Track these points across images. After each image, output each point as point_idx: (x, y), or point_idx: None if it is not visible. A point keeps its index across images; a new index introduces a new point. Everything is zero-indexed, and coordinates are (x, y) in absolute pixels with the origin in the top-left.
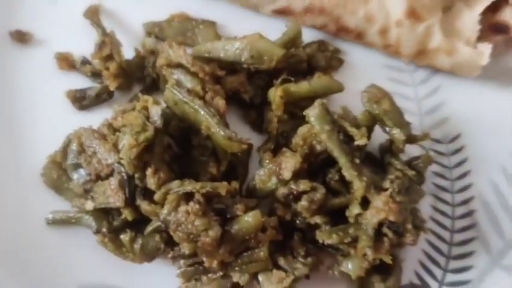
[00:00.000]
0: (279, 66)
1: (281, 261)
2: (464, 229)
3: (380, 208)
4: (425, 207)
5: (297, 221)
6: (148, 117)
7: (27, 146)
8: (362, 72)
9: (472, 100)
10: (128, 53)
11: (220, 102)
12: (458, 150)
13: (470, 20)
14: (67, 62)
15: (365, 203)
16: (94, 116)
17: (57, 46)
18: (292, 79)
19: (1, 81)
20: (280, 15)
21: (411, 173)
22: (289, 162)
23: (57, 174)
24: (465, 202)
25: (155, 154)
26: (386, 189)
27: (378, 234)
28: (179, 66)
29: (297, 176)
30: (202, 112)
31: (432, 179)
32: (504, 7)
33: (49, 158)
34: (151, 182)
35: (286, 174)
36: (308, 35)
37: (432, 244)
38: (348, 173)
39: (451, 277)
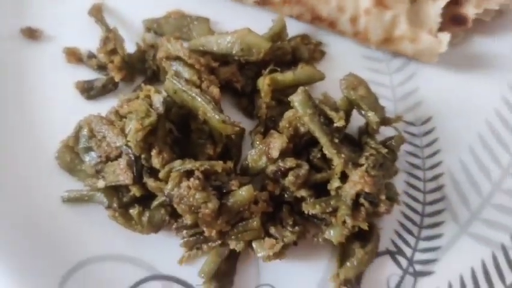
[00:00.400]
0: (267, 58)
1: (272, 230)
2: (434, 202)
3: (357, 181)
4: (400, 182)
5: (285, 195)
6: (151, 105)
7: (42, 133)
8: (342, 63)
9: (442, 86)
10: (130, 47)
11: (214, 90)
12: (429, 132)
13: (433, 11)
14: (74, 56)
15: (344, 178)
16: (101, 105)
17: (65, 41)
18: (279, 69)
19: (16, 74)
20: (262, 5)
21: (384, 150)
22: (276, 143)
23: (70, 157)
24: (435, 178)
25: (159, 137)
26: (362, 165)
27: (355, 204)
28: (177, 58)
29: (283, 154)
30: (199, 99)
31: (405, 157)
32: (464, 1)
33: (62, 143)
34: (155, 162)
35: (274, 153)
36: (293, 29)
37: (406, 215)
38: (328, 151)
39: (423, 244)
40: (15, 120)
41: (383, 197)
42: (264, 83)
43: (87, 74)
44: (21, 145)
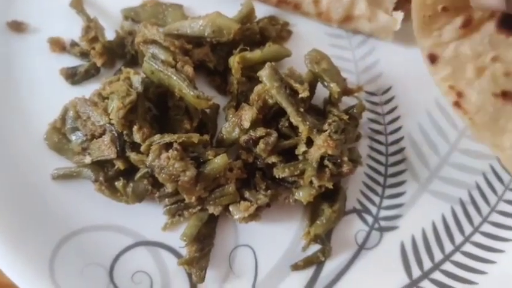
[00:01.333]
0: (237, 39)
1: (246, 194)
2: (396, 163)
3: (321, 145)
4: (364, 147)
5: (258, 162)
6: (130, 85)
7: (31, 117)
8: (308, 41)
9: (400, 59)
10: (110, 34)
11: (189, 69)
12: (389, 100)
13: None
14: (58, 45)
15: (310, 143)
16: (84, 89)
17: (49, 32)
18: (248, 49)
19: (5, 64)
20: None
21: (345, 117)
22: (247, 114)
23: (58, 138)
24: (396, 142)
25: (139, 114)
26: (325, 131)
27: (321, 166)
28: (153, 42)
29: (254, 125)
30: (175, 78)
31: (369, 124)
32: None
33: (50, 125)
34: (137, 137)
35: (246, 124)
36: (261, 12)
37: (370, 177)
38: (295, 120)
39: (386, 202)
40: (6, 106)
41: (345, 159)
42: (234, 61)
43: (70, 61)
44: (12, 129)
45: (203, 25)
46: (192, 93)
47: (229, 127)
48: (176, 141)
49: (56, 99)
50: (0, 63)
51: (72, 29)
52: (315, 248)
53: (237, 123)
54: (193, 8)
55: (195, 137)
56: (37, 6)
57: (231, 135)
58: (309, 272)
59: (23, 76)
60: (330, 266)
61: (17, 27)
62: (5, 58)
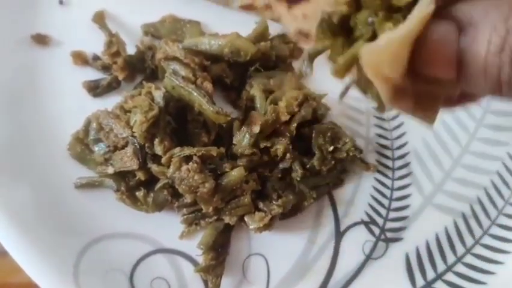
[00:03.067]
0: (253, 58)
1: (260, 205)
2: (402, 177)
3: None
4: (372, 161)
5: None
6: (152, 100)
7: (55, 128)
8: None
9: None
10: (130, 49)
11: (208, 85)
12: (396, 116)
13: None
14: (80, 58)
15: None
16: (105, 101)
17: (71, 45)
18: (262, 70)
19: (30, 77)
20: (246, 9)
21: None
22: (256, 120)
23: (81, 149)
24: (402, 156)
25: (160, 128)
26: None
27: None
28: (174, 59)
29: (265, 129)
30: (195, 94)
31: (376, 139)
32: None
33: (73, 136)
34: (158, 149)
35: (256, 129)
36: (273, 30)
37: (378, 190)
38: None
39: (393, 214)
40: (30, 118)
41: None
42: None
43: (92, 74)
44: (36, 139)
45: (222, 44)
46: (211, 108)
47: (239, 136)
48: (196, 154)
49: (78, 110)
50: (24, 75)
51: (94, 43)
52: (323, 258)
53: (246, 131)
54: (210, 25)
55: (214, 150)
56: (61, 20)
57: (242, 144)
58: (318, 280)
59: (46, 88)
60: (339, 275)
61: (41, 40)
62: (29, 70)
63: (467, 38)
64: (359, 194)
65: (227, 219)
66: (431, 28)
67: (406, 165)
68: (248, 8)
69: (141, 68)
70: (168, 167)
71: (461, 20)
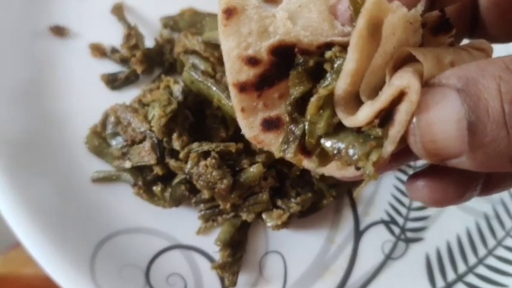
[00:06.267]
0: None
1: (279, 202)
2: None
3: None
4: None
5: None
6: (171, 94)
7: (72, 121)
8: None
9: None
10: (149, 42)
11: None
12: None
13: None
14: (98, 50)
15: None
16: (123, 94)
17: (90, 38)
18: None
19: (47, 69)
20: (268, 2)
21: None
22: None
23: (98, 142)
24: None
25: (179, 122)
26: None
27: None
28: (193, 52)
29: None
30: (214, 88)
31: None
32: None
33: (91, 129)
34: (176, 144)
35: None
36: None
37: (399, 189)
38: None
39: (413, 214)
40: (48, 110)
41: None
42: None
43: (110, 66)
44: (54, 132)
45: None
46: (230, 103)
47: None
48: (214, 150)
49: (96, 103)
50: (42, 67)
51: (112, 35)
52: (342, 258)
53: None
54: None
55: (232, 146)
56: (79, 12)
57: None
58: (336, 280)
59: (64, 80)
60: (358, 274)
61: (59, 31)
62: (46, 62)
63: (470, 98)
64: (379, 192)
65: (244, 216)
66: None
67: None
68: (271, 0)
69: (159, 61)
70: (186, 162)
71: (454, 84)
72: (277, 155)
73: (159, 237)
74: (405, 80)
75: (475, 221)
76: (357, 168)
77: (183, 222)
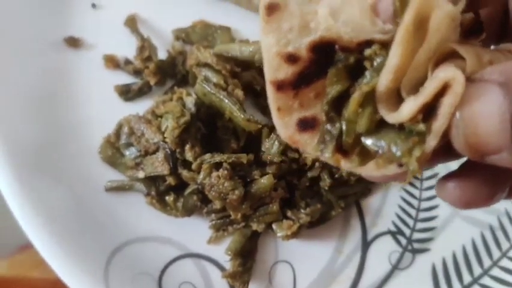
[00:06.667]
0: None
1: (289, 213)
2: (430, 187)
3: None
4: None
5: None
6: (183, 106)
7: (86, 131)
8: None
9: None
10: (161, 54)
11: (239, 92)
12: None
13: None
14: (112, 62)
15: None
16: (136, 105)
17: (103, 49)
18: None
19: (61, 80)
20: None
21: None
22: None
23: (112, 152)
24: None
25: (191, 134)
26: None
27: None
28: (206, 65)
29: None
30: (226, 101)
31: None
32: None
33: (104, 139)
34: (188, 155)
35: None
36: None
37: (406, 200)
38: None
39: (420, 225)
40: (62, 121)
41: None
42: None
43: (123, 77)
44: (68, 142)
45: (253, 51)
46: (242, 116)
47: (268, 143)
48: (226, 161)
49: (109, 114)
50: (56, 78)
51: (126, 47)
52: (350, 268)
53: (275, 138)
54: (241, 30)
55: (244, 158)
56: (93, 24)
57: (271, 151)
58: None
59: (78, 91)
60: (365, 284)
61: (73, 43)
62: (61, 73)
63: None
64: (386, 204)
65: (255, 226)
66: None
67: (435, 175)
68: None
69: (172, 73)
70: (198, 172)
71: (496, 79)
72: (314, 154)
73: (171, 246)
74: (450, 72)
75: (480, 232)
76: (400, 165)
77: (195, 232)
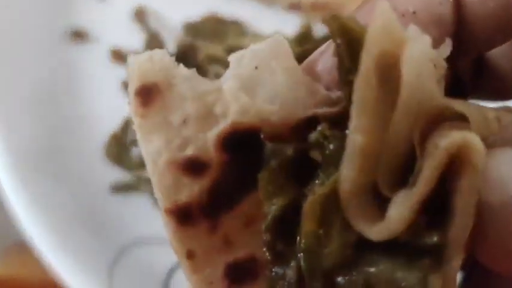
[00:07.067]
0: (297, 60)
1: None
2: None
3: None
4: None
5: None
6: None
7: (91, 128)
8: None
9: None
10: (170, 48)
11: None
12: None
13: None
14: (118, 56)
15: None
16: None
17: (110, 42)
18: None
19: (66, 74)
20: (292, 9)
21: None
22: None
23: (118, 150)
24: None
25: None
26: None
27: None
28: (216, 60)
29: None
30: None
31: None
32: None
33: (110, 136)
34: None
35: None
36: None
37: None
38: None
39: None
40: (67, 116)
41: None
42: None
43: None
44: (72, 139)
45: None
46: None
47: None
48: None
49: (116, 110)
50: (61, 72)
51: (132, 40)
52: None
53: None
54: (253, 24)
55: None
56: (99, 17)
57: None
58: None
59: (84, 86)
60: None
61: (79, 36)
62: (66, 67)
63: None
64: None
65: None
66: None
67: None
68: (294, 7)
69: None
70: None
71: None
72: None
73: None
74: (457, 136)
75: None
76: None
77: None
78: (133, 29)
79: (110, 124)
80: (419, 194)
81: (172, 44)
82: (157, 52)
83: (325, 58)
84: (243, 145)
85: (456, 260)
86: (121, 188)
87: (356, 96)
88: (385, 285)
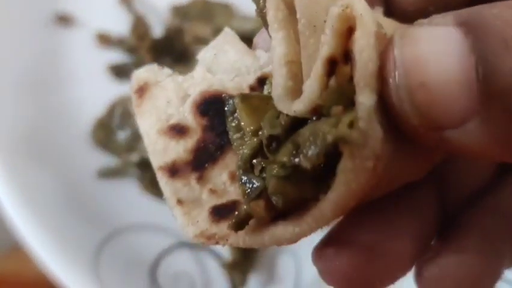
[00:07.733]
0: None
1: None
2: None
3: None
4: None
5: None
6: None
7: (77, 112)
8: None
9: None
10: (157, 31)
11: None
12: None
13: None
14: (105, 40)
15: None
16: (129, 84)
17: (96, 26)
18: None
19: (51, 59)
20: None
21: None
22: None
23: (104, 134)
24: None
25: None
26: None
27: None
28: (204, 42)
29: None
30: None
31: None
32: None
33: (96, 121)
34: None
35: None
36: None
37: None
38: None
39: None
40: (52, 101)
41: None
42: None
43: (116, 56)
44: (58, 124)
45: (253, 27)
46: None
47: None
48: None
49: (101, 94)
50: (46, 57)
51: (118, 24)
52: None
53: None
54: (239, 5)
55: None
56: (84, 0)
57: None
58: None
59: (69, 70)
60: None
61: (64, 20)
62: (51, 52)
63: (477, 29)
64: None
65: None
66: None
67: None
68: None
69: (168, 50)
70: None
71: (450, 20)
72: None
73: (166, 234)
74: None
75: None
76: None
77: None
78: (119, 13)
79: (96, 108)
80: (323, 56)
81: (158, 27)
82: (149, 66)
83: (263, 34)
84: (215, 110)
85: (364, 95)
86: (107, 174)
87: (268, 17)
88: (308, 138)
